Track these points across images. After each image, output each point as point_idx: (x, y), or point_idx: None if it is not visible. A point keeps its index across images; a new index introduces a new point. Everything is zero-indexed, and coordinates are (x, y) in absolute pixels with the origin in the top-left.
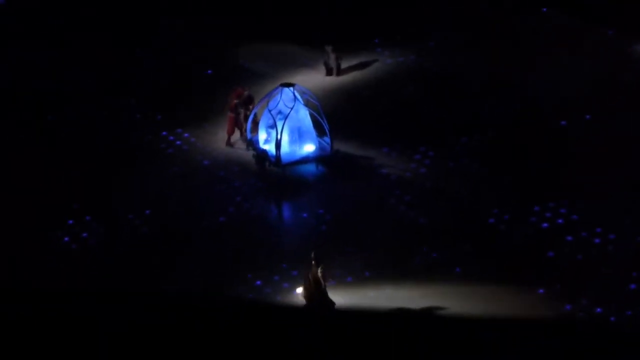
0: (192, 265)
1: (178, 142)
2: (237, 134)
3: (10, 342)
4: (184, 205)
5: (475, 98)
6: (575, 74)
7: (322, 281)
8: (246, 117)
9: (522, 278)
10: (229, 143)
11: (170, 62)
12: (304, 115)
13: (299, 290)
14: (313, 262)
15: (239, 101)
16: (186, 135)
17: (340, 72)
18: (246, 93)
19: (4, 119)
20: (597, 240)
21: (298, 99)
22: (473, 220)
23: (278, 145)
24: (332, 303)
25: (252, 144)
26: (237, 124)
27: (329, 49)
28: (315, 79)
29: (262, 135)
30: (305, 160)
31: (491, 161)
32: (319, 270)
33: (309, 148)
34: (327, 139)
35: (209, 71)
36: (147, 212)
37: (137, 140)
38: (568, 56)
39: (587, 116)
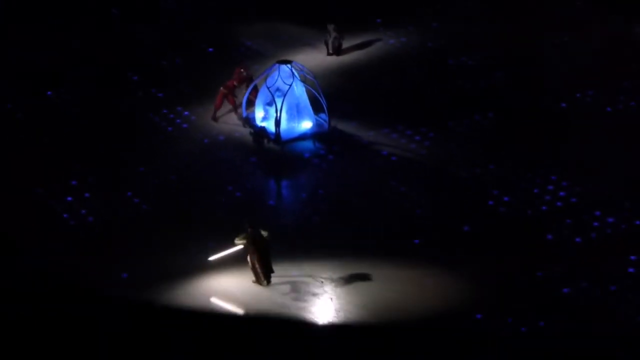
0: (190, 242)
1: (178, 120)
2: (224, 110)
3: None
4: (183, 183)
5: (476, 79)
6: (577, 53)
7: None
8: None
9: (521, 260)
10: (214, 117)
11: (171, 40)
12: (301, 92)
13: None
14: (249, 228)
15: (237, 83)
16: (186, 113)
17: (341, 51)
18: (244, 74)
19: (3, 96)
20: (595, 224)
21: (295, 76)
22: (472, 202)
23: (278, 122)
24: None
25: (249, 121)
26: (230, 99)
27: (330, 27)
28: (316, 58)
29: (259, 113)
30: (303, 137)
31: (492, 143)
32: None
33: (307, 125)
34: (323, 115)
35: (210, 49)
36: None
37: (137, 117)
38: (570, 36)
39: (589, 98)
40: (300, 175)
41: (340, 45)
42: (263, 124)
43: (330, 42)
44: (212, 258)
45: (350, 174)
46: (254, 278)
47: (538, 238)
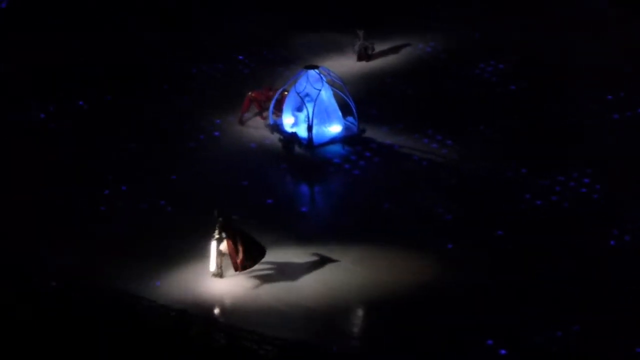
0: None
1: (209, 128)
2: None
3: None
4: (214, 191)
5: (506, 83)
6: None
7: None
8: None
9: (548, 266)
10: (240, 121)
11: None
12: (329, 96)
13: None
14: (220, 218)
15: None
16: (218, 121)
17: (371, 57)
18: (271, 93)
19: (43, 99)
20: (620, 226)
21: (324, 80)
22: (504, 207)
23: (310, 127)
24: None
25: (278, 128)
26: (256, 105)
27: (360, 33)
28: (345, 64)
29: (288, 119)
30: (333, 141)
31: (523, 146)
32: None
33: (336, 129)
34: (351, 118)
35: (240, 57)
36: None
37: (168, 125)
38: (596, 38)
39: (609, 96)
40: (332, 180)
41: (373, 50)
42: (293, 130)
43: (359, 48)
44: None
45: (382, 178)
46: (237, 269)
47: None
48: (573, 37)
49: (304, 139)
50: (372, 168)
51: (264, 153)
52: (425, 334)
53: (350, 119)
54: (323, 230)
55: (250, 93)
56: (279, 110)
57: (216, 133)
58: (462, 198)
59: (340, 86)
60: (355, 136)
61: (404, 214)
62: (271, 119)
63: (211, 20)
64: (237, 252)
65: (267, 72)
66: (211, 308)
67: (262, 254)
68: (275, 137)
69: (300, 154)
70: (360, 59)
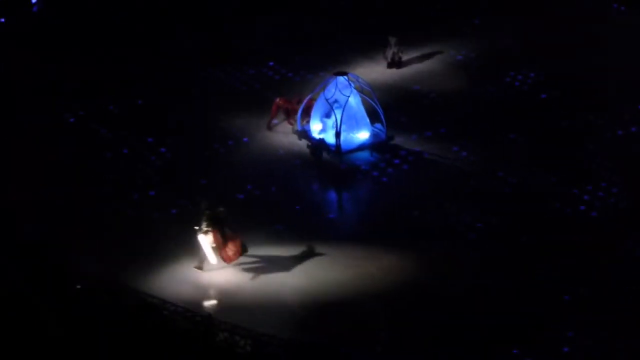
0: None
1: (237, 134)
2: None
3: None
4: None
5: (538, 92)
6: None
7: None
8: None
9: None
10: (269, 126)
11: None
12: (358, 103)
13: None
14: (207, 210)
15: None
16: (245, 126)
17: (401, 64)
18: (297, 105)
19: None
20: None
21: (352, 87)
22: (534, 215)
23: (338, 134)
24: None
25: (306, 134)
26: (285, 111)
27: (392, 40)
28: (375, 70)
29: (315, 126)
30: (361, 147)
31: (555, 156)
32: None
33: (364, 135)
34: (379, 125)
35: (271, 62)
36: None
37: (197, 130)
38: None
39: None
40: (359, 187)
41: (400, 58)
42: (321, 136)
43: (390, 54)
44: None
45: (410, 186)
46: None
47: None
48: (606, 48)
49: (331, 145)
50: (400, 175)
51: (292, 159)
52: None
53: (378, 125)
54: (349, 237)
55: (277, 99)
56: (307, 116)
57: (245, 139)
58: (490, 206)
59: (369, 93)
60: (383, 143)
61: (431, 222)
62: (299, 125)
63: (243, 24)
64: (224, 243)
65: (296, 79)
66: (220, 307)
67: (245, 247)
68: (303, 144)
69: (328, 160)
70: (390, 66)
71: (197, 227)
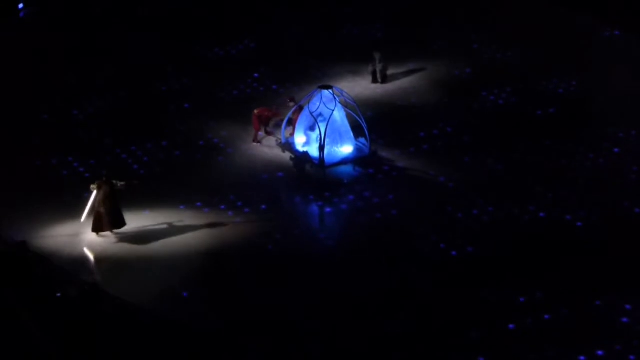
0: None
1: (222, 145)
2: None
3: None
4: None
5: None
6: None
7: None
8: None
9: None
10: (255, 140)
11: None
12: (342, 117)
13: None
14: (104, 178)
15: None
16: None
17: (386, 79)
18: (292, 104)
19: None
20: None
21: (337, 101)
22: (542, 230)
23: (322, 147)
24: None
25: (290, 146)
26: (261, 121)
27: (377, 56)
28: (360, 85)
29: (300, 138)
30: (345, 161)
31: (557, 169)
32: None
33: (348, 149)
34: (363, 140)
35: (256, 74)
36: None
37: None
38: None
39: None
40: (341, 201)
41: (385, 73)
42: (305, 149)
43: (375, 70)
44: (82, 219)
45: (392, 201)
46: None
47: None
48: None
49: (315, 158)
50: (382, 190)
51: (275, 171)
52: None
53: (362, 140)
54: (330, 250)
55: (255, 111)
56: (291, 129)
57: (229, 150)
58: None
59: (353, 107)
60: (366, 158)
61: (414, 235)
62: (283, 137)
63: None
64: (99, 210)
65: (281, 91)
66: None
67: (121, 224)
68: (287, 156)
69: (311, 173)
70: (374, 81)
71: (92, 185)
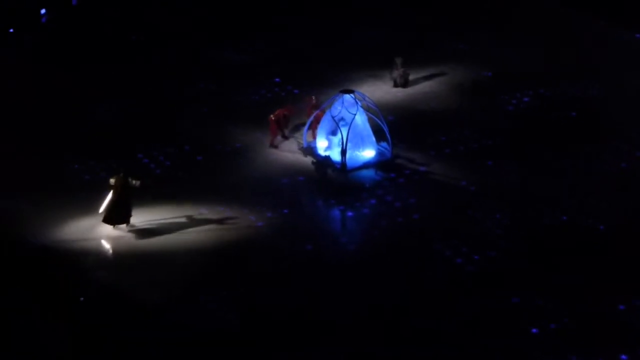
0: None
1: (243, 149)
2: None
3: None
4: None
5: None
6: None
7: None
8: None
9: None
10: (272, 144)
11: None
12: (364, 121)
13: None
14: (122, 174)
15: (312, 107)
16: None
17: (407, 84)
18: (313, 101)
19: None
20: None
21: (359, 105)
22: (562, 234)
23: (344, 151)
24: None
25: (311, 151)
26: (279, 126)
27: (398, 61)
28: (381, 89)
29: (321, 143)
30: (367, 165)
31: (586, 174)
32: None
33: (370, 154)
34: (384, 144)
35: (277, 79)
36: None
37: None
38: None
39: None
40: (363, 205)
41: (407, 78)
42: (326, 154)
43: (396, 75)
44: (100, 210)
45: (414, 205)
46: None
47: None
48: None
49: (337, 163)
50: (404, 194)
51: (296, 174)
52: None
53: (383, 144)
54: (352, 254)
55: (271, 116)
56: (313, 133)
57: (250, 154)
58: (501, 225)
59: (374, 111)
60: (388, 162)
61: (434, 239)
62: (305, 141)
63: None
64: (113, 205)
65: (303, 96)
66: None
67: (124, 221)
68: (308, 160)
69: (333, 177)
70: (396, 85)
71: (110, 179)
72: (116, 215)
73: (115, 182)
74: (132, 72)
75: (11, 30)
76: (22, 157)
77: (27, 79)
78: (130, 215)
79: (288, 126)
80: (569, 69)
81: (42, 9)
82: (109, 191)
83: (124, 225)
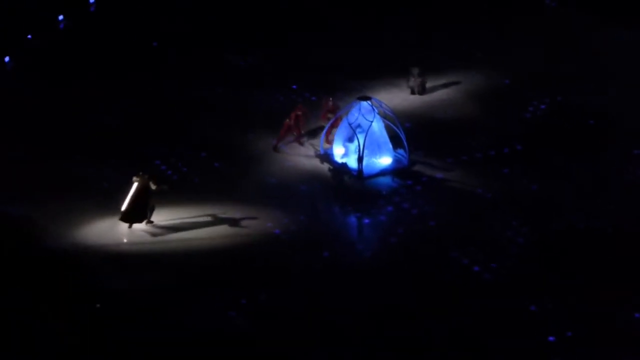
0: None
1: (260, 156)
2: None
3: None
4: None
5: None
6: None
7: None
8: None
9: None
10: (275, 148)
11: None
12: (381, 128)
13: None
14: (143, 174)
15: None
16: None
17: (424, 92)
18: (330, 103)
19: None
20: None
21: (376, 112)
22: (581, 244)
23: (360, 158)
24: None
25: (328, 157)
26: (290, 130)
27: (414, 71)
28: (398, 97)
29: (338, 150)
30: (383, 173)
31: (603, 180)
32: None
33: (386, 161)
34: (401, 151)
35: (294, 86)
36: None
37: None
38: None
39: None
40: (380, 212)
41: (424, 86)
42: (343, 160)
43: (413, 83)
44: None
45: (431, 212)
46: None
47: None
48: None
49: (354, 169)
50: (421, 201)
51: (311, 181)
52: None
53: (400, 151)
54: (368, 261)
55: (287, 120)
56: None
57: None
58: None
59: (391, 118)
60: (405, 169)
61: (451, 247)
62: (322, 148)
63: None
64: (132, 203)
65: (319, 102)
66: None
67: (138, 221)
68: (325, 167)
69: (350, 184)
70: (413, 93)
71: (134, 177)
72: (133, 215)
73: (139, 181)
74: (150, 77)
75: (29, 36)
76: (40, 161)
77: (43, 84)
78: (145, 216)
79: (303, 127)
80: (586, 76)
81: (59, 14)
82: (131, 189)
83: (143, 224)
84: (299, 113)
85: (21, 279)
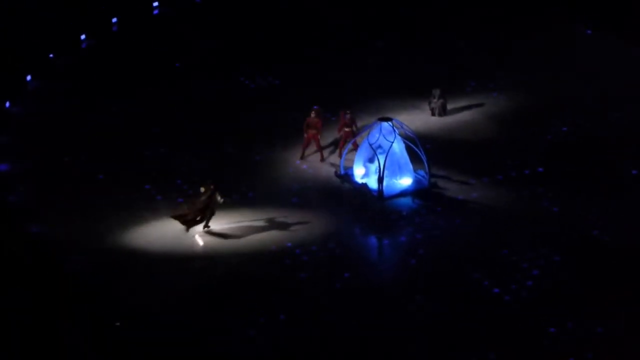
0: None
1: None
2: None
3: None
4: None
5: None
6: None
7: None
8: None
9: None
10: (302, 157)
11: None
12: (401, 149)
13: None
14: (211, 185)
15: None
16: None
17: (445, 113)
18: (347, 117)
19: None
20: None
21: (396, 133)
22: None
23: (381, 179)
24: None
25: (348, 178)
26: (316, 144)
27: (435, 93)
28: (419, 118)
29: (359, 170)
30: (404, 193)
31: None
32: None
33: (407, 181)
34: (422, 172)
35: (316, 107)
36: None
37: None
38: None
39: None
40: (401, 233)
41: (445, 107)
42: (363, 181)
43: (435, 105)
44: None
45: (452, 233)
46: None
47: None
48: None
49: (374, 190)
50: (442, 222)
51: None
52: None
53: (421, 172)
54: (389, 282)
55: (306, 135)
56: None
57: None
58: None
59: (412, 139)
60: (426, 190)
61: (472, 268)
62: (342, 169)
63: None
64: (193, 210)
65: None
66: None
67: (193, 224)
68: (345, 187)
69: (370, 205)
70: (434, 114)
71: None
72: (194, 220)
73: (205, 190)
74: (176, 96)
75: (51, 55)
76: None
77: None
78: (197, 223)
79: (321, 133)
80: (606, 97)
81: (82, 34)
82: (200, 197)
83: (200, 227)
84: (312, 115)
85: (21, 279)
